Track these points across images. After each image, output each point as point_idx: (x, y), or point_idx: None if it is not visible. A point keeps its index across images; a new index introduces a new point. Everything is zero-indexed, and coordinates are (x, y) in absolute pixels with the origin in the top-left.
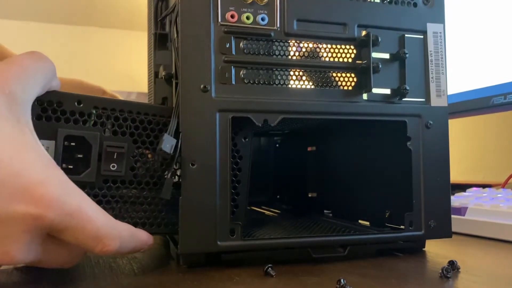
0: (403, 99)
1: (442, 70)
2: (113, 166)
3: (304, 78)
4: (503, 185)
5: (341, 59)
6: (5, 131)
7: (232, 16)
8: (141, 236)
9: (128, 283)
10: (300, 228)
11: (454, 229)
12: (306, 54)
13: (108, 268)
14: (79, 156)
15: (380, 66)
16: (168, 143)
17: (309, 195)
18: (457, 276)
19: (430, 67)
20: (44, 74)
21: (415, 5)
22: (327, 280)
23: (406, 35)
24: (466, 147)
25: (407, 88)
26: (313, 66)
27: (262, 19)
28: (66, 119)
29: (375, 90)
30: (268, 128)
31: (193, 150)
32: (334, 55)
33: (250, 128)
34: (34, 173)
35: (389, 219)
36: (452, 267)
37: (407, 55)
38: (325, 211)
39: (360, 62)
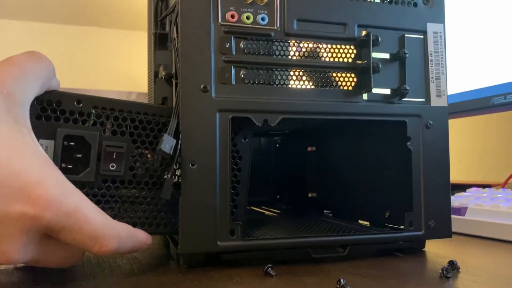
0: (403, 99)
1: (442, 70)
2: (112, 166)
3: (304, 78)
4: (503, 185)
5: (341, 59)
6: (3, 131)
7: (232, 16)
8: (140, 236)
9: (128, 283)
10: (300, 228)
11: (454, 229)
12: (306, 54)
13: (108, 268)
14: (78, 155)
15: (380, 66)
16: (167, 143)
17: (309, 195)
18: (457, 276)
19: (430, 67)
20: (43, 74)
21: (415, 5)
22: (327, 280)
23: (406, 35)
24: (466, 147)
25: (407, 88)
26: (313, 66)
27: (262, 19)
28: (66, 119)
29: (375, 90)
30: (268, 128)
31: (193, 150)
32: (334, 55)
33: (250, 128)
34: (32, 173)
35: (389, 219)
36: (452, 267)
37: (407, 55)
38: (325, 211)
39: (360, 62)
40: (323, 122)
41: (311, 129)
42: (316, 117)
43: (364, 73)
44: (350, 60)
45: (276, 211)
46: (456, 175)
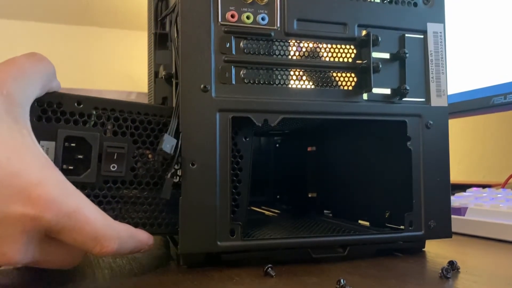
0: (403, 99)
1: (442, 70)
2: (114, 167)
3: (304, 78)
4: (503, 185)
5: (341, 59)
6: (3, 131)
7: (232, 16)
8: (141, 237)
9: (128, 283)
10: (300, 228)
11: (454, 229)
12: (306, 54)
13: (108, 268)
14: (79, 156)
15: (380, 66)
16: (168, 143)
17: (309, 195)
18: (457, 276)
19: (430, 67)
20: (43, 76)
21: (415, 4)
22: (327, 280)
23: (406, 35)
24: (466, 147)
25: (407, 88)
26: (313, 66)
27: (262, 19)
28: (66, 120)
29: (375, 90)
30: (268, 128)
31: (193, 150)
32: (334, 55)
33: (250, 128)
34: (32, 174)
35: (389, 219)
36: (452, 267)
37: (407, 55)
38: (325, 211)
39: (360, 62)
40: (323, 122)
41: (311, 129)
42: (316, 117)
43: (364, 73)
44: (350, 60)
45: (276, 211)
46: (456, 175)
